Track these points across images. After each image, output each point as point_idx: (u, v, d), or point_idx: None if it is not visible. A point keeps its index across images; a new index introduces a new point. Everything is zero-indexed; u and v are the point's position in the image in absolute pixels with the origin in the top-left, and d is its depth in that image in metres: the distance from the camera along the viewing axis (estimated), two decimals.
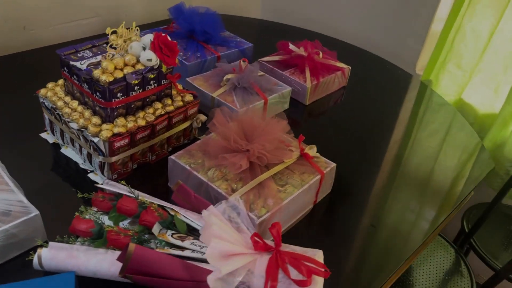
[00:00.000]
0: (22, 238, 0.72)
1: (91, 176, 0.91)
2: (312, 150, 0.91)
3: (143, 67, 0.88)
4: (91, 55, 0.92)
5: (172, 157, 0.87)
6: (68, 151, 0.96)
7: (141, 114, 0.91)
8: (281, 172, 0.86)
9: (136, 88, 0.88)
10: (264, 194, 0.81)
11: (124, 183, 0.80)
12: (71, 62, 0.88)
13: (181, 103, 0.97)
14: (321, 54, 1.29)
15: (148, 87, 0.91)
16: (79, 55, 0.91)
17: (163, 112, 0.93)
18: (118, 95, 0.86)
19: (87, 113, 0.89)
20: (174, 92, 1.00)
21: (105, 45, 0.95)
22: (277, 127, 0.89)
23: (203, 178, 0.83)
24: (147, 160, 0.96)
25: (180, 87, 1.01)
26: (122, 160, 0.90)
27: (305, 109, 1.25)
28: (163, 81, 0.94)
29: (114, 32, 0.86)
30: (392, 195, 1.02)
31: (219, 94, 1.11)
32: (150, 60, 0.87)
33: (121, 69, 0.86)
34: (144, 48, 0.88)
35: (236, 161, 0.80)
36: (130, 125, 0.87)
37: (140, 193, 0.79)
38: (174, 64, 0.91)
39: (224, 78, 1.12)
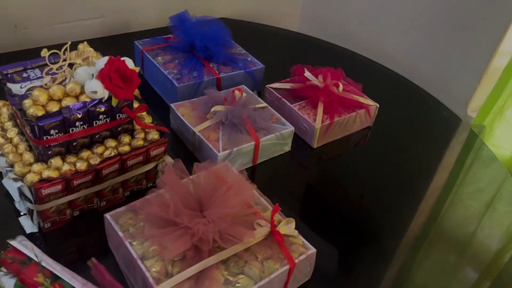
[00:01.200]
0: None
1: (22, 220, 0.76)
2: (287, 227, 0.70)
3: (89, 99, 0.71)
4: (39, 75, 0.77)
5: (108, 215, 0.70)
6: (9, 184, 0.82)
7: (85, 154, 0.74)
8: (239, 254, 0.67)
9: (78, 123, 0.72)
10: None
11: (32, 247, 0.64)
12: (8, 85, 0.73)
13: (141, 143, 0.79)
14: (341, 87, 1.06)
15: (96, 123, 0.74)
16: (25, 75, 0.76)
17: (113, 154, 0.76)
18: (52, 132, 0.70)
19: (23, 146, 0.75)
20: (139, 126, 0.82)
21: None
22: (243, 192, 0.69)
23: (133, 252, 0.65)
24: (93, 206, 0.80)
25: (148, 120, 0.83)
26: (56, 208, 0.74)
27: (312, 152, 1.03)
28: (119, 115, 0.77)
29: (54, 54, 0.70)
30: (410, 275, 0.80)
31: (202, 129, 0.92)
32: (95, 92, 0.70)
33: (59, 100, 0.70)
34: (93, 76, 0.72)
35: (169, 242, 0.61)
36: (66, 168, 0.71)
37: (51, 263, 0.63)
38: (130, 98, 0.74)
39: (212, 109, 0.93)
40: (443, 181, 1.06)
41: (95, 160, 0.74)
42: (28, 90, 0.72)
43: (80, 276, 0.64)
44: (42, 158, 0.72)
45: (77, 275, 0.64)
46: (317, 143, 1.02)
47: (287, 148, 1.00)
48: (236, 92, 0.96)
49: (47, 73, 0.70)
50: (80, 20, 1.27)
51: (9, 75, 0.76)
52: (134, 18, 1.37)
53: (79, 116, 0.71)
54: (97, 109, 0.73)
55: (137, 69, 0.76)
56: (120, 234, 0.67)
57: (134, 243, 0.66)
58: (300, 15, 1.72)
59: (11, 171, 0.72)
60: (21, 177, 0.70)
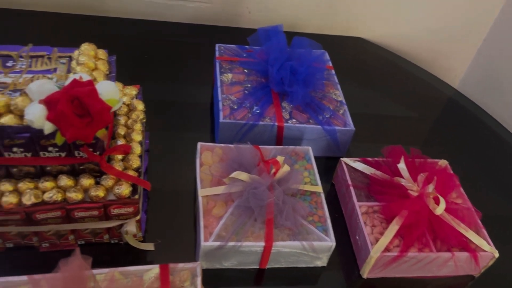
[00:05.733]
0: None
1: None
2: None
3: None
4: (23, 67, 0.61)
5: None
6: None
7: (23, 186, 0.57)
8: None
9: (16, 149, 0.55)
10: None
11: None
12: None
13: (100, 194, 0.58)
14: (442, 205, 0.67)
15: (45, 154, 0.56)
16: (9, 64, 0.61)
17: (55, 199, 0.57)
18: None
19: None
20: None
21: (62, 60, 0.62)
22: None
23: None
24: (32, 243, 0.63)
25: (134, 164, 0.62)
26: None
27: (360, 282, 0.69)
28: (79, 153, 0.57)
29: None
30: None
31: (210, 195, 0.67)
32: (32, 121, 0.51)
33: None
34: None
35: None
36: None
37: None
38: (86, 140, 0.53)
39: (232, 174, 0.67)
40: None
41: (28, 200, 0.56)
42: None
43: None
44: None
45: None
46: (368, 274, 0.68)
47: (321, 263, 0.68)
48: (277, 159, 0.67)
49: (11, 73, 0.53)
50: (182, 0, 1.10)
51: None
52: (247, 12, 1.14)
53: (18, 142, 0.54)
54: (44, 142, 0.54)
55: (115, 103, 0.54)
56: None
57: None
58: (469, 67, 1.26)
59: None
60: None
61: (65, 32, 1.02)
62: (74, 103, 0.51)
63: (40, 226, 0.60)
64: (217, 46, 0.93)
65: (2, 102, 0.52)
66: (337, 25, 1.19)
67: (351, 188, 0.73)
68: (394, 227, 0.66)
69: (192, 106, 0.93)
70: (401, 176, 0.72)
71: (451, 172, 0.76)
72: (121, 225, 0.63)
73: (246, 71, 0.89)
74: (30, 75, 0.58)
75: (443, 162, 0.78)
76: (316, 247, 0.64)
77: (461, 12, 1.16)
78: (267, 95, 0.83)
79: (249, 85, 0.86)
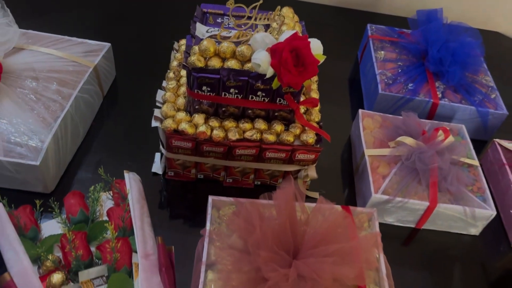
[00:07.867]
0: (20, 177, 0.66)
1: (156, 157, 0.76)
2: None
3: (253, 70, 0.62)
4: (231, 25, 0.70)
5: (211, 198, 0.62)
6: None
7: (229, 124, 0.67)
8: None
9: (232, 91, 0.64)
10: None
11: (128, 192, 0.62)
12: (198, 24, 0.69)
13: (290, 139, 0.66)
14: None
15: (252, 97, 0.65)
16: (219, 20, 0.71)
17: (254, 137, 0.66)
18: (204, 88, 0.64)
19: (183, 90, 0.71)
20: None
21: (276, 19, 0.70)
22: (357, 259, 0.51)
23: (204, 254, 0.56)
24: (218, 178, 0.73)
25: (315, 117, 0.70)
26: (183, 162, 0.70)
27: (510, 255, 0.72)
28: (280, 101, 0.65)
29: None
30: None
31: (375, 155, 0.73)
32: (258, 65, 0.59)
33: (224, 59, 0.63)
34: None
35: (237, 280, 0.49)
36: (202, 129, 0.65)
37: (138, 215, 0.60)
38: (296, 87, 0.61)
39: (398, 138, 0.73)
40: None
41: (233, 135, 0.65)
42: (211, 37, 0.67)
43: (153, 241, 0.59)
44: (189, 109, 0.68)
45: (152, 239, 0.59)
46: None
47: (474, 231, 0.72)
48: (440, 132, 0.72)
49: (238, 26, 0.63)
50: None
51: (207, 15, 0.72)
52: None
53: (236, 83, 0.63)
54: (257, 84, 0.63)
55: (322, 58, 0.62)
56: (207, 226, 0.59)
57: (216, 244, 0.57)
58: None
59: (160, 107, 0.69)
60: (164, 118, 0.67)
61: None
62: (292, 54, 0.59)
63: (233, 162, 0.69)
64: (368, 25, 0.99)
65: (230, 49, 0.62)
66: (476, 17, 1.19)
67: (507, 166, 0.75)
68: None
69: (332, 78, 0.99)
70: None
71: None
72: (297, 171, 0.71)
73: (397, 50, 0.94)
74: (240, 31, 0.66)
75: None
76: (476, 214, 0.68)
77: None
78: (422, 74, 0.87)
79: (400, 63, 0.91)
